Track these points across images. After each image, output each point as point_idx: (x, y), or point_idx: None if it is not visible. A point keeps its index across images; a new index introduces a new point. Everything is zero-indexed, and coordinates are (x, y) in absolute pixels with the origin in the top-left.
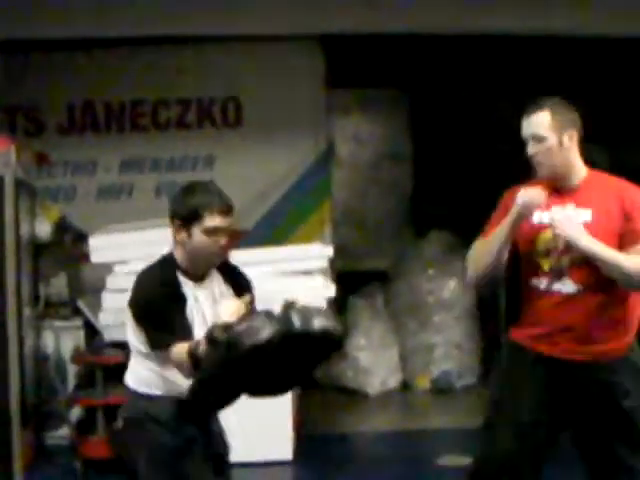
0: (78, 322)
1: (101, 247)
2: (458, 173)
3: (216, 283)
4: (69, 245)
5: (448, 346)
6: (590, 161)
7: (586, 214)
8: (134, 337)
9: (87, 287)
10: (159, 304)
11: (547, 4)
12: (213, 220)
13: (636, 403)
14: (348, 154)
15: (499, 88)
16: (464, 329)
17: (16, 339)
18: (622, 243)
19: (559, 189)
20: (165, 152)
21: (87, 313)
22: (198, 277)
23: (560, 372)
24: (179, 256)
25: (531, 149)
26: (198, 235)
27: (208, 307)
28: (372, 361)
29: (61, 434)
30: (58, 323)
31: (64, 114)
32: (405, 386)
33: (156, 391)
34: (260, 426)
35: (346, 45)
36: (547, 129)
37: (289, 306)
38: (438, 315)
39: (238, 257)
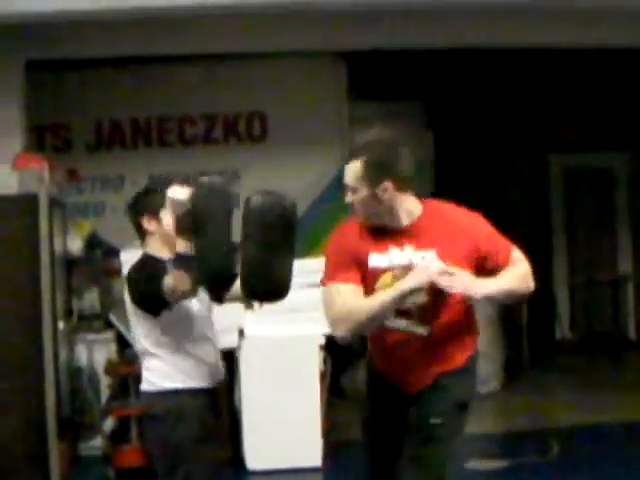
0: (110, 335)
1: (132, 261)
2: (479, 184)
3: None
4: (100, 260)
5: None
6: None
7: (429, 255)
8: (149, 327)
9: (118, 300)
10: (141, 273)
11: (556, 20)
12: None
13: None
14: None
15: (518, 100)
16: (487, 337)
17: (51, 352)
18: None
19: (386, 229)
20: (192, 167)
21: (119, 326)
22: None
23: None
24: (155, 250)
25: (347, 197)
26: (168, 220)
27: None
28: None
29: (95, 444)
30: (91, 336)
31: (92, 131)
32: None
33: (184, 383)
34: (290, 434)
35: (367, 59)
36: (359, 181)
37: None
38: None
39: None
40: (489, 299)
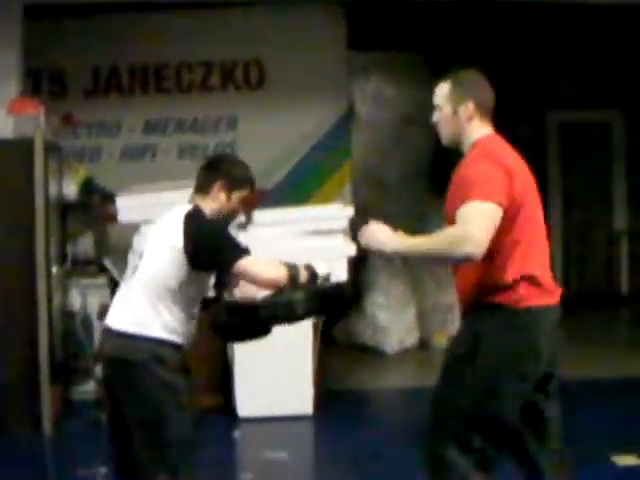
0: (104, 280)
1: (128, 207)
2: None
3: None
4: (95, 205)
5: None
6: None
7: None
8: (176, 277)
9: (113, 246)
10: (224, 228)
11: None
12: (249, 193)
13: None
14: (368, 115)
15: (515, 55)
16: None
17: (45, 297)
18: None
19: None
20: (188, 113)
21: (113, 271)
22: None
23: None
24: (207, 209)
25: (433, 117)
26: (235, 201)
27: None
28: (390, 320)
29: (87, 389)
30: (85, 281)
31: (89, 77)
32: (422, 344)
33: (169, 336)
34: (282, 382)
35: (367, 8)
36: (445, 99)
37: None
38: None
39: (260, 217)
40: (405, 256)
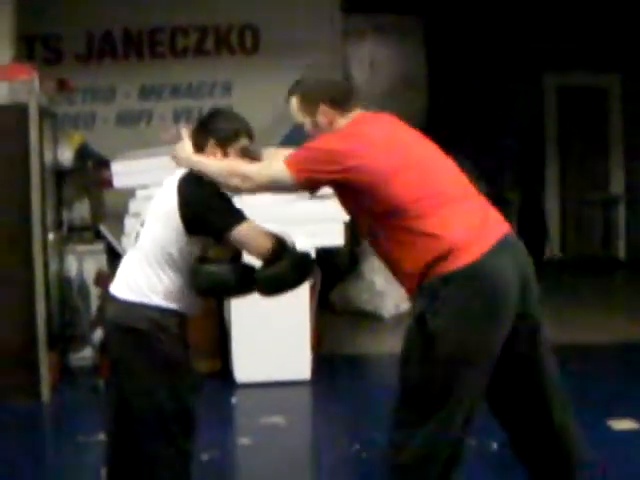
0: (100, 246)
1: (123, 172)
2: (473, 102)
3: None
4: (91, 171)
5: None
6: None
7: None
8: (174, 243)
9: (109, 212)
10: (219, 193)
11: None
12: (246, 142)
13: None
14: (363, 79)
15: (513, 17)
16: None
17: (41, 264)
18: None
19: None
20: (183, 79)
21: (109, 237)
22: None
23: None
24: None
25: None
26: (233, 155)
27: None
28: (387, 284)
29: (84, 355)
30: (81, 247)
31: (83, 42)
32: None
33: (171, 304)
34: (279, 347)
35: None
36: (300, 114)
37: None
38: None
39: None
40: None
